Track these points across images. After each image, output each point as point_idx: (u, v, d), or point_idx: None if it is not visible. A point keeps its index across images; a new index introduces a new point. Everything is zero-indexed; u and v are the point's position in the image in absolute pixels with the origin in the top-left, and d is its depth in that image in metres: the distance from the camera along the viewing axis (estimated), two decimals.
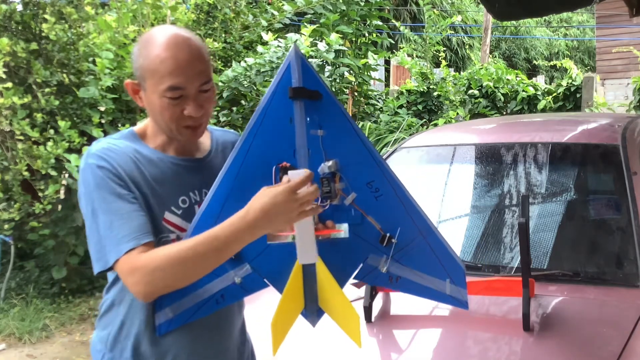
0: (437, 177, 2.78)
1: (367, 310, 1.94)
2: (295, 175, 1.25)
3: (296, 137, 1.33)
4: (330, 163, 1.32)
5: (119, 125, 5.15)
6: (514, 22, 18.53)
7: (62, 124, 4.70)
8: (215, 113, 6.26)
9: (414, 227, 1.40)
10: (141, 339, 1.43)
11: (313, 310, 1.44)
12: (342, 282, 1.44)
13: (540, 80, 11.75)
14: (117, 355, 1.44)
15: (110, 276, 1.47)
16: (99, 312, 1.52)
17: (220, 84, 6.18)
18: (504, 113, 8.42)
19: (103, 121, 5.11)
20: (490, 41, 16.45)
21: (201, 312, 1.43)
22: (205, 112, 1.42)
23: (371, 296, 1.97)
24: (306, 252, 1.32)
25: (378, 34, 8.64)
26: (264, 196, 1.24)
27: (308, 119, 1.32)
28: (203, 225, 1.34)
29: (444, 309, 2.04)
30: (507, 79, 8.56)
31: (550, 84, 10.76)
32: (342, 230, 1.39)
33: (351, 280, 1.47)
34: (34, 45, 4.76)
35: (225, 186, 1.36)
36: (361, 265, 1.44)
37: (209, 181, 1.46)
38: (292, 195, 1.23)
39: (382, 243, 1.40)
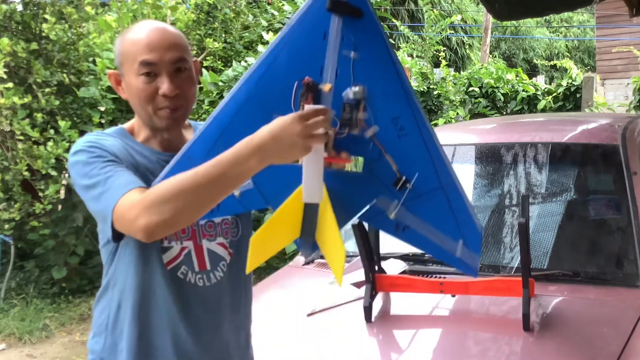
0: None
1: (367, 310, 1.94)
2: (312, 107, 1.19)
3: (327, 54, 1.22)
4: (357, 89, 1.22)
5: (119, 125, 5.15)
6: (514, 22, 18.53)
7: (62, 123, 4.71)
8: None
9: (435, 177, 1.30)
10: (136, 323, 1.42)
11: (308, 243, 1.34)
12: (346, 219, 1.35)
13: (540, 80, 11.74)
14: (118, 338, 1.43)
15: (104, 255, 1.47)
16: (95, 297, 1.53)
17: (220, 83, 6.18)
18: (504, 113, 8.41)
19: (103, 121, 5.12)
20: (490, 41, 16.44)
21: None
22: (183, 93, 1.41)
23: (371, 296, 1.97)
24: (311, 191, 1.24)
25: None
26: (273, 122, 1.18)
27: (343, 37, 1.21)
28: (216, 125, 1.28)
29: (443, 309, 2.04)
30: (507, 79, 8.55)
31: (550, 84, 10.76)
32: (356, 162, 1.30)
33: (354, 220, 1.37)
34: (34, 45, 4.76)
35: (244, 90, 1.27)
36: (369, 205, 1.33)
37: None
38: (301, 121, 1.16)
39: (395, 186, 1.29)
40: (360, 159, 1.29)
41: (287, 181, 1.29)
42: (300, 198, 1.28)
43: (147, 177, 1.39)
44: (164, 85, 1.38)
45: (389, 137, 1.27)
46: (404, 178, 1.29)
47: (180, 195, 1.20)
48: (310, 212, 1.30)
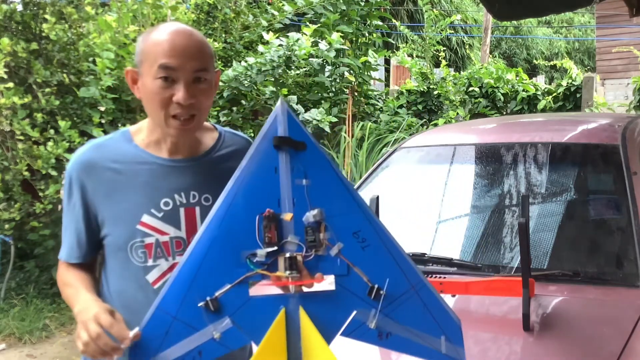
0: (437, 177, 2.78)
1: None
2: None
3: (280, 186, 1.31)
4: (315, 212, 1.30)
5: (119, 125, 5.16)
6: (514, 22, 18.53)
7: (62, 123, 4.71)
8: (215, 113, 6.26)
9: (404, 279, 1.35)
10: None
11: None
12: (328, 339, 1.37)
13: (540, 81, 11.74)
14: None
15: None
16: None
17: (220, 83, 6.18)
18: (504, 113, 8.41)
19: (103, 121, 5.11)
20: (490, 41, 16.44)
21: None
22: (197, 104, 1.39)
23: None
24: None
25: (378, 34, 8.64)
26: (85, 308, 1.32)
27: (293, 168, 1.30)
28: (185, 273, 1.32)
29: None
30: (507, 79, 8.55)
31: (550, 84, 10.75)
32: (327, 281, 1.33)
33: (338, 337, 1.39)
34: (34, 45, 4.76)
35: (208, 234, 1.33)
36: (349, 320, 1.37)
37: (202, 181, 1.44)
38: (88, 324, 1.26)
39: (370, 296, 1.34)
40: (331, 276, 1.34)
41: (265, 313, 1.32)
42: (282, 329, 1.33)
43: (125, 193, 1.44)
44: (179, 93, 1.36)
45: (353, 251, 1.33)
46: (376, 286, 1.34)
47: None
48: (292, 337, 1.34)
